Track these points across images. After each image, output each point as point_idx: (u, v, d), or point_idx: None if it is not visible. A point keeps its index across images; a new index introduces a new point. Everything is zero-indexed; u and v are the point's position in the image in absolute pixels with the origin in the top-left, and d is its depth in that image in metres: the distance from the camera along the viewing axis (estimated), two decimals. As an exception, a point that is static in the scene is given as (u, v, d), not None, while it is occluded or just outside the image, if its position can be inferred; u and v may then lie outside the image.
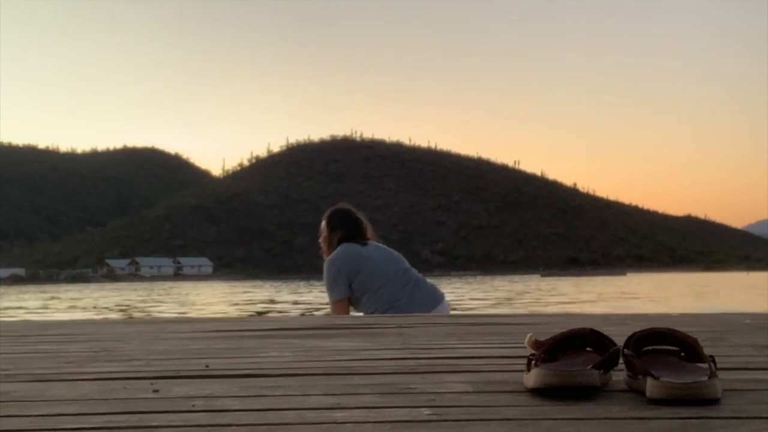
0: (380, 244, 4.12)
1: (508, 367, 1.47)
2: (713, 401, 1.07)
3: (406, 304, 3.83)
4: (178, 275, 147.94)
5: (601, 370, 1.19)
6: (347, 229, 4.04)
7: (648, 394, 1.09)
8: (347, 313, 3.93)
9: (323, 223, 4.13)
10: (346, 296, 3.93)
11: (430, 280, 4.08)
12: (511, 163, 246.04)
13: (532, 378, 1.18)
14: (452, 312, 4.14)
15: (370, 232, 4.11)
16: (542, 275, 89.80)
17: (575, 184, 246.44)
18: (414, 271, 4.05)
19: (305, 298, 23.16)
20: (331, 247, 4.05)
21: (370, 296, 3.88)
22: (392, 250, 4.12)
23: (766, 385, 1.26)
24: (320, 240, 4.13)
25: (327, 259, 4.01)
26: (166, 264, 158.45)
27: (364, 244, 4.03)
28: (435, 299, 3.94)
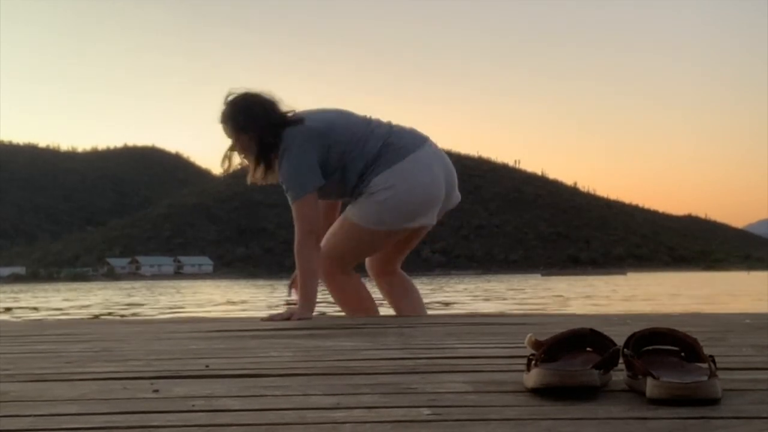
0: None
1: (508, 367, 1.47)
2: (713, 401, 1.07)
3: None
4: (178, 274, 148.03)
5: (601, 370, 1.19)
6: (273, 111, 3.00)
7: (648, 394, 1.09)
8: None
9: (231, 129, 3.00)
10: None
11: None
12: (511, 163, 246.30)
13: (532, 378, 1.18)
14: (452, 311, 4.08)
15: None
16: (542, 275, 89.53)
17: (576, 184, 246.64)
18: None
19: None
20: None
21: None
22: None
23: (766, 385, 1.26)
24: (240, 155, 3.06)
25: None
26: (167, 263, 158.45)
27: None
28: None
